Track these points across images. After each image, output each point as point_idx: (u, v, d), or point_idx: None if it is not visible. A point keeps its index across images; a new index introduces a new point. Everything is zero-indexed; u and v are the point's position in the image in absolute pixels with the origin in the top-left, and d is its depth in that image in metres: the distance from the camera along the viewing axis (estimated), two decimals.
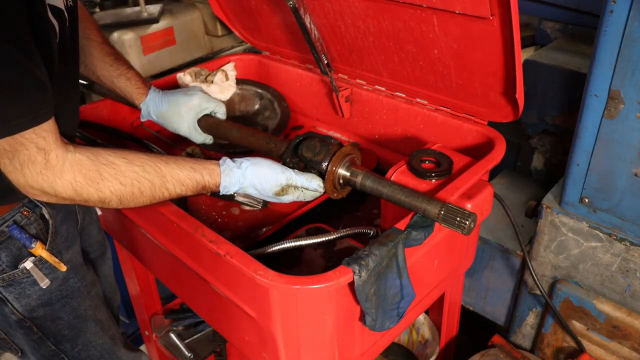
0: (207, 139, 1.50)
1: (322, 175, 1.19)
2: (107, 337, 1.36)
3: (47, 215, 1.17)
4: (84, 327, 1.30)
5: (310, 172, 1.20)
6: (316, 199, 1.24)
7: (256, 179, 1.16)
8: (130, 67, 1.48)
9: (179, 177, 1.08)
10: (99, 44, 1.43)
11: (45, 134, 0.92)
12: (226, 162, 1.16)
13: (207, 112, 1.48)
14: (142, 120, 1.53)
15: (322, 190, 1.19)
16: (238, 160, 1.17)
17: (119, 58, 1.46)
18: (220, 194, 1.16)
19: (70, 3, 1.07)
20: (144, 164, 1.04)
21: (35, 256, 1.15)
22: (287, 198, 1.19)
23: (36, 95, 0.90)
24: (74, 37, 1.13)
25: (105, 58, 1.44)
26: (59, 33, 1.00)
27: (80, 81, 1.66)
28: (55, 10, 0.98)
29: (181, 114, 1.47)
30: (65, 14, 1.02)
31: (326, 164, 1.18)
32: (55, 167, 0.94)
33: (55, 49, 0.99)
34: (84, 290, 1.28)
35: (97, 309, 1.34)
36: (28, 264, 1.14)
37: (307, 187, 1.18)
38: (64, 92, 1.09)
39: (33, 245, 1.13)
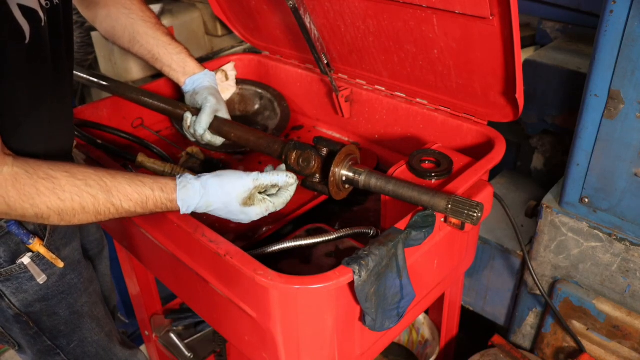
0: (208, 133, 1.50)
1: (326, 178, 1.19)
2: (103, 333, 1.37)
3: None
4: (80, 323, 1.30)
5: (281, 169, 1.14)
6: (286, 204, 1.14)
7: (220, 189, 1.07)
8: (186, 48, 1.58)
9: (125, 191, 1.01)
10: (154, 24, 1.53)
11: None
12: (184, 176, 1.09)
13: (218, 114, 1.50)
14: (186, 81, 1.56)
15: (292, 181, 1.12)
16: (200, 174, 1.10)
17: (175, 39, 1.57)
18: (181, 212, 1.08)
19: (56, 1, 1.06)
20: (86, 178, 0.99)
21: (33, 252, 1.16)
22: (254, 210, 1.09)
23: None
24: (63, 35, 1.11)
25: (163, 38, 1.53)
26: (30, 34, 0.98)
27: (101, 82, 1.66)
28: (26, 10, 0.96)
29: (221, 99, 1.55)
30: (41, 13, 1.00)
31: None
32: None
33: (20, 51, 0.97)
34: (81, 287, 1.28)
35: (94, 305, 1.34)
36: (25, 260, 1.15)
37: (277, 182, 1.10)
38: (46, 90, 1.08)
39: (31, 241, 1.14)
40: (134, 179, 1.04)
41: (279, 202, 1.13)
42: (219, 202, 1.08)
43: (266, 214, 1.12)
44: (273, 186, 1.12)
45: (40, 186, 0.95)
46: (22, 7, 0.95)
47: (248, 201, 1.09)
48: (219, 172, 1.10)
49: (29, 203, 0.95)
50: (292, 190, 1.15)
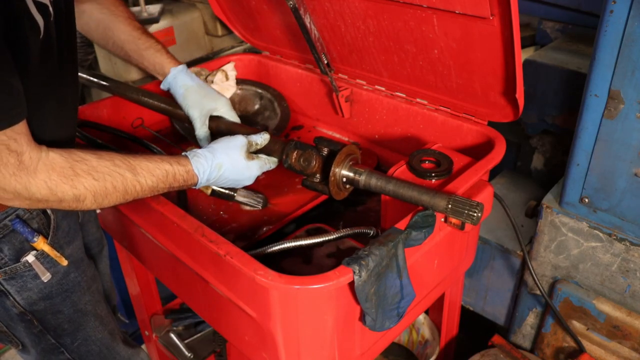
0: (208, 134, 1.50)
1: (326, 178, 1.20)
2: (106, 332, 1.37)
3: (48, 211, 1.18)
4: (83, 321, 1.30)
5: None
6: (277, 163, 1.30)
7: (224, 148, 1.20)
8: (158, 41, 1.52)
9: (148, 167, 1.08)
10: (126, 19, 1.48)
11: (16, 136, 0.91)
12: (191, 150, 1.20)
13: (218, 113, 1.50)
14: (161, 88, 1.52)
15: (267, 136, 1.28)
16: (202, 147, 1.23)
17: (147, 33, 1.51)
18: (198, 183, 1.17)
19: None
20: (113, 158, 1.05)
21: (37, 250, 1.16)
22: (256, 163, 1.24)
23: (4, 98, 0.88)
24: (64, 31, 1.10)
25: (133, 32, 1.48)
26: (44, 29, 0.97)
27: (101, 82, 1.66)
28: (39, 5, 0.95)
29: (205, 97, 1.49)
30: (50, 8, 1.00)
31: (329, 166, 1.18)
32: (29, 168, 0.94)
33: (36, 46, 0.97)
34: (84, 285, 1.28)
35: (97, 304, 1.34)
36: (30, 258, 1.15)
37: (258, 141, 1.26)
38: (50, 89, 1.08)
39: (35, 239, 1.14)
40: (152, 157, 1.11)
41: (272, 160, 1.28)
42: (227, 161, 1.20)
43: (265, 167, 1.27)
44: (257, 144, 1.27)
45: (77, 168, 0.99)
46: (35, 2, 0.95)
47: (249, 155, 1.23)
48: (218, 139, 1.24)
49: (69, 184, 0.98)
50: (265, 141, 1.30)
